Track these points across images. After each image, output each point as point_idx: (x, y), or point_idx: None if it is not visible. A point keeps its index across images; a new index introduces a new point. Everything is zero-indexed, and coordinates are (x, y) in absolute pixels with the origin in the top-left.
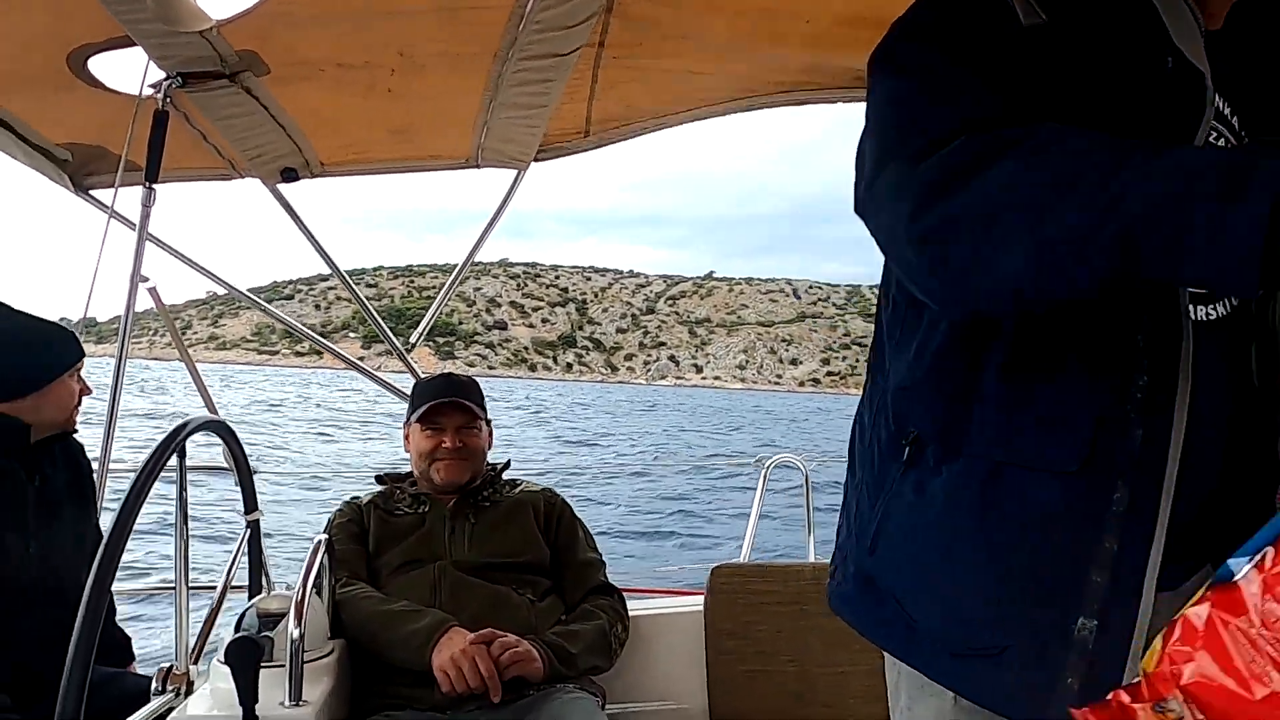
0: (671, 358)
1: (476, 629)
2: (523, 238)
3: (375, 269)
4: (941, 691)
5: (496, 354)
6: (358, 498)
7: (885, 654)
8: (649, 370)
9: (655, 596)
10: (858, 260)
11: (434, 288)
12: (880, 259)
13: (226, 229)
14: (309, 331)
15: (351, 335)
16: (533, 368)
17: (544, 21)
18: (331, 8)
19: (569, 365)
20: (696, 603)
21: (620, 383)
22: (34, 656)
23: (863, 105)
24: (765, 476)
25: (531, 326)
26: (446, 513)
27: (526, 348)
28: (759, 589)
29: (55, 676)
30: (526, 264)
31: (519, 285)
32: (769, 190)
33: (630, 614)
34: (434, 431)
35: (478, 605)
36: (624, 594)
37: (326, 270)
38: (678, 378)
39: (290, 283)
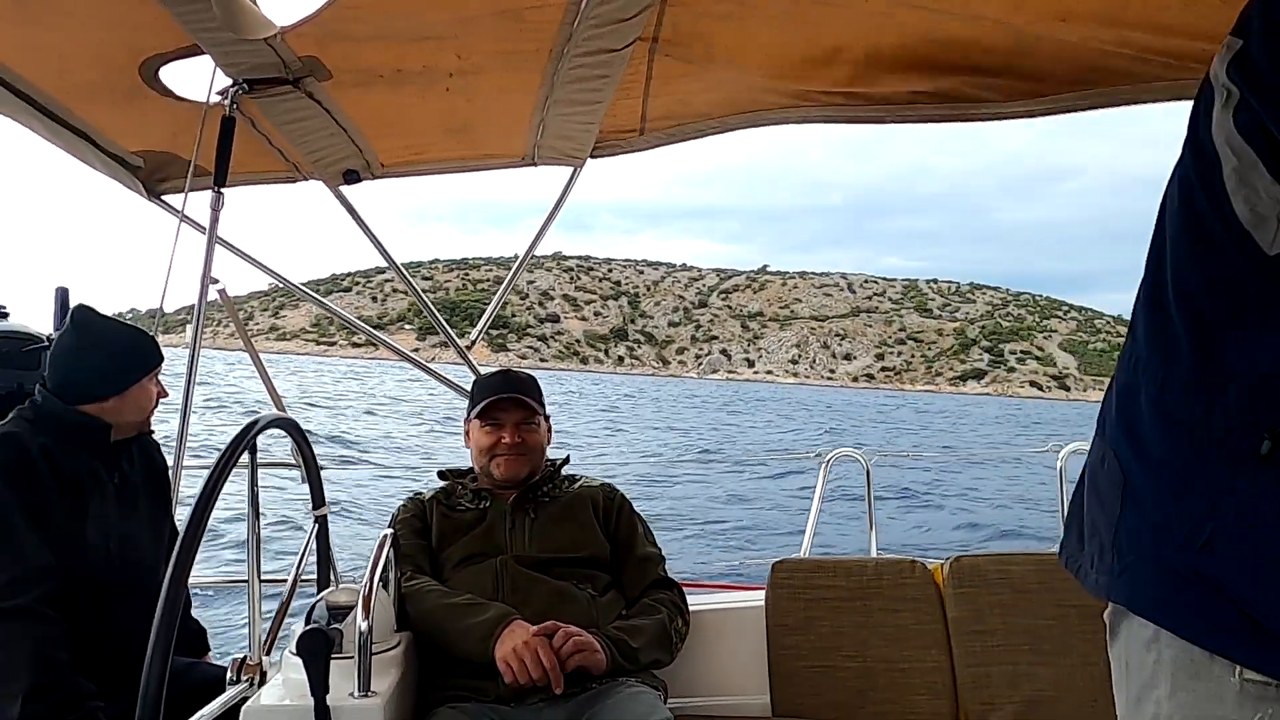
0: (723, 351)
1: (538, 622)
2: (580, 231)
3: (430, 262)
4: (1221, 675)
5: (549, 346)
6: (420, 494)
7: (1120, 642)
8: (700, 364)
9: (715, 591)
10: (918, 254)
11: (488, 280)
12: (943, 251)
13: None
14: (366, 327)
15: (407, 327)
16: (584, 360)
17: (599, 16)
18: (390, 14)
19: (620, 358)
20: (757, 598)
21: (671, 376)
22: (116, 647)
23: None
24: (826, 471)
25: (584, 320)
26: (507, 508)
27: (578, 340)
28: (821, 584)
29: (136, 666)
30: (580, 257)
31: (572, 278)
32: (828, 182)
33: (690, 609)
34: (493, 427)
35: (540, 599)
36: (684, 588)
37: (384, 263)
38: (729, 372)
39: (348, 275)
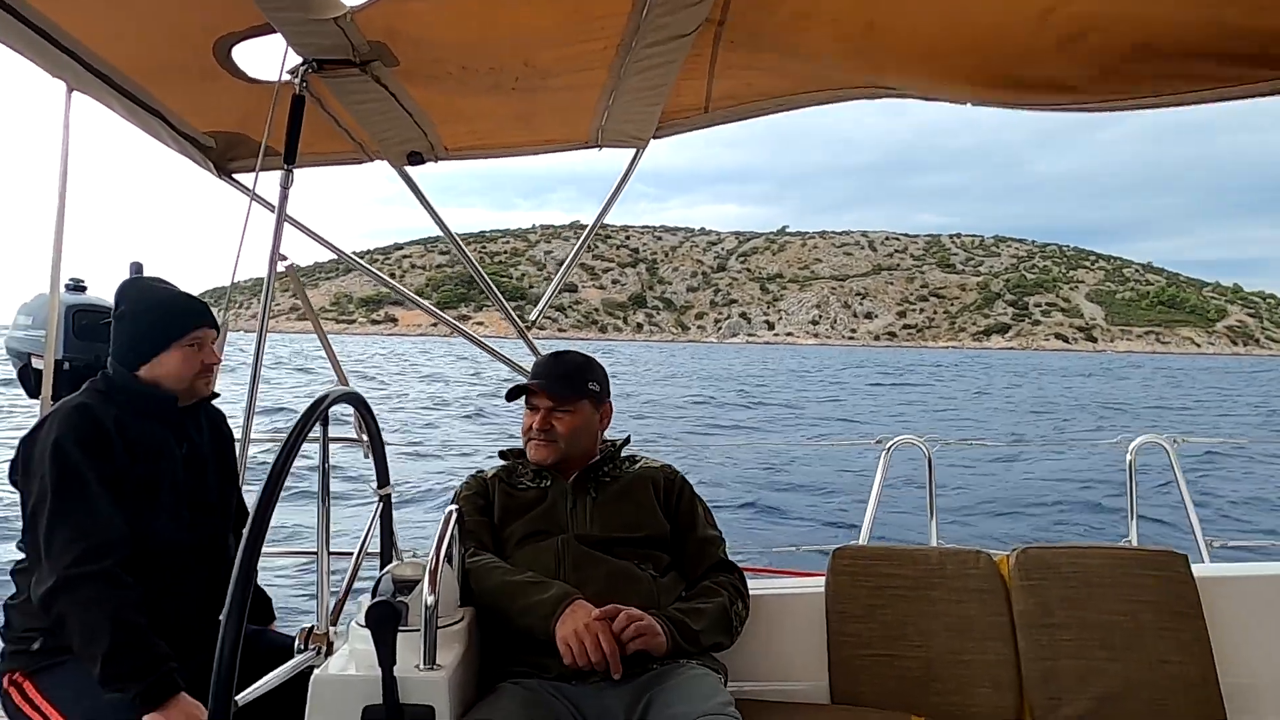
0: (743, 315)
1: (600, 602)
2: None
3: None
4: None
5: (567, 316)
6: (483, 471)
7: None
8: (720, 328)
9: (774, 576)
10: (949, 210)
11: (505, 253)
12: (975, 206)
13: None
14: (428, 305)
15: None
16: (603, 329)
17: (667, 4)
18: (456, 12)
19: (639, 325)
20: (817, 584)
21: (691, 341)
22: (187, 612)
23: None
24: (887, 458)
25: (602, 288)
26: (567, 488)
27: (597, 309)
28: (883, 572)
29: (206, 630)
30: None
31: (589, 247)
32: (858, 141)
33: (750, 593)
34: (530, 411)
35: (601, 579)
36: (744, 572)
37: (401, 240)
38: (749, 335)
39: (367, 253)
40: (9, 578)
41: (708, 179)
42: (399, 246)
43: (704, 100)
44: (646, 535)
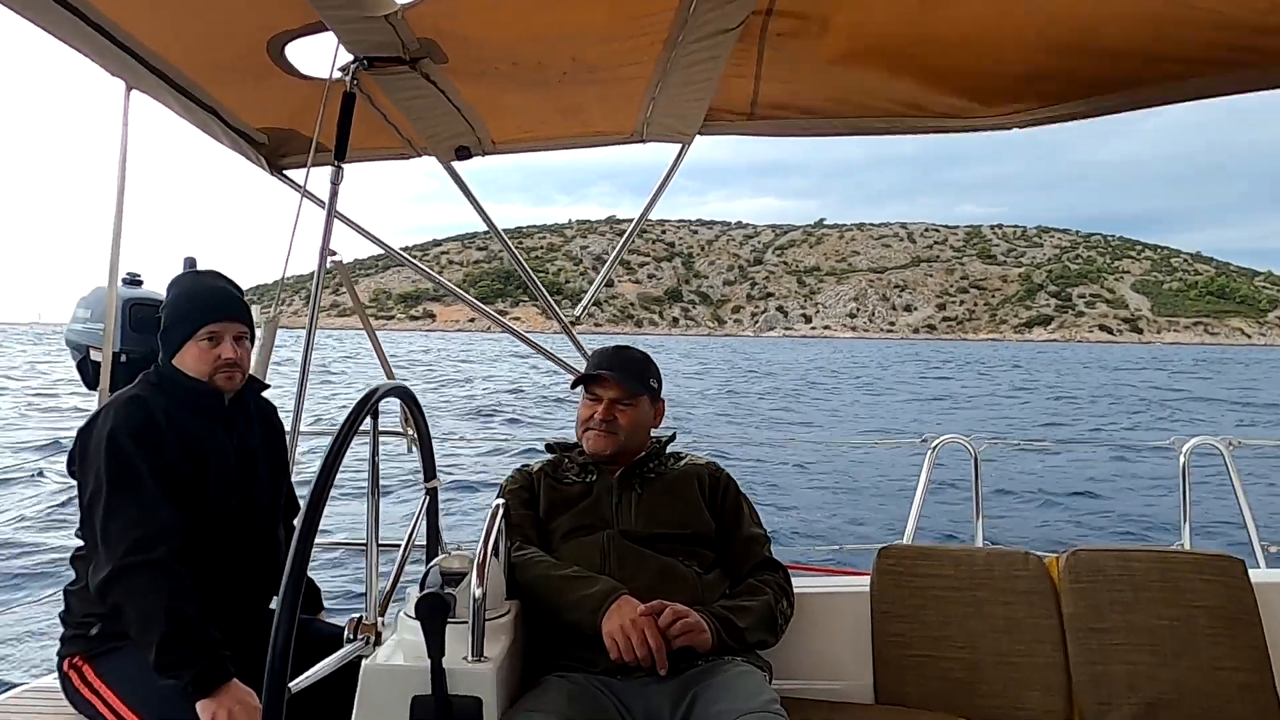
0: (780, 308)
1: (645, 598)
2: (646, 195)
3: (485, 232)
4: None
5: (603, 311)
6: (528, 465)
7: None
8: (756, 322)
9: (817, 574)
10: (992, 201)
11: (541, 248)
12: (1019, 197)
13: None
14: (474, 301)
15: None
16: (639, 323)
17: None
18: (504, 7)
19: (675, 320)
20: (861, 583)
21: (727, 335)
22: (237, 601)
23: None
24: (932, 457)
25: (637, 282)
26: (613, 483)
27: (632, 304)
28: (929, 572)
29: (255, 619)
30: (632, 220)
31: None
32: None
33: (795, 591)
34: (591, 401)
35: (647, 575)
36: (788, 570)
37: (439, 236)
38: (786, 328)
39: (405, 249)
40: (69, 565)
41: (747, 172)
42: (437, 243)
43: (750, 103)
44: (692, 532)
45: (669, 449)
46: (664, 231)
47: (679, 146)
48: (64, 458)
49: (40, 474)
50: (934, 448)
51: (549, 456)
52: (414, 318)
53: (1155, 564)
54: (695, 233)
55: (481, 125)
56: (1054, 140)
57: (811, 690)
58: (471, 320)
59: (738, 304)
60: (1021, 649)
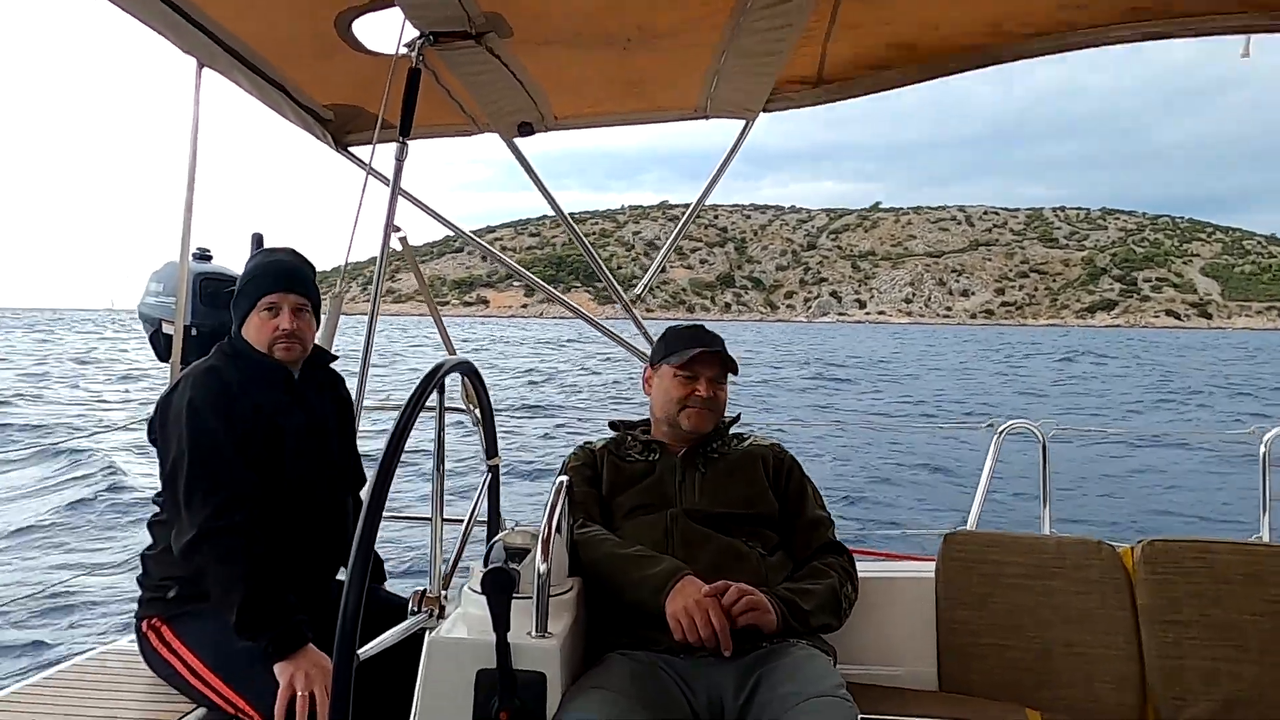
0: (833, 293)
1: (709, 579)
2: (702, 180)
3: (539, 218)
4: None
5: (655, 296)
6: (591, 443)
7: None
8: (809, 307)
9: (881, 559)
10: (1063, 181)
11: (593, 234)
12: (1091, 176)
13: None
14: (543, 284)
15: (515, 284)
16: (690, 309)
17: None
18: None
19: (727, 305)
20: (926, 569)
21: (780, 320)
22: (306, 568)
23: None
24: (999, 443)
25: (689, 268)
26: (677, 462)
27: (684, 289)
28: (996, 559)
29: (323, 586)
30: (684, 205)
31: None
32: (966, 112)
33: (859, 575)
34: (688, 379)
35: (710, 555)
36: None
37: (493, 223)
38: (839, 314)
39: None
40: (147, 530)
41: (806, 156)
42: (490, 229)
43: (817, 70)
44: (755, 513)
45: (732, 429)
46: (716, 217)
47: (741, 124)
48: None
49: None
50: (1000, 432)
51: (611, 435)
52: (467, 304)
53: (1236, 556)
54: (748, 217)
55: (544, 100)
56: (1128, 118)
57: (874, 676)
58: (524, 306)
59: (790, 289)
60: (1094, 640)
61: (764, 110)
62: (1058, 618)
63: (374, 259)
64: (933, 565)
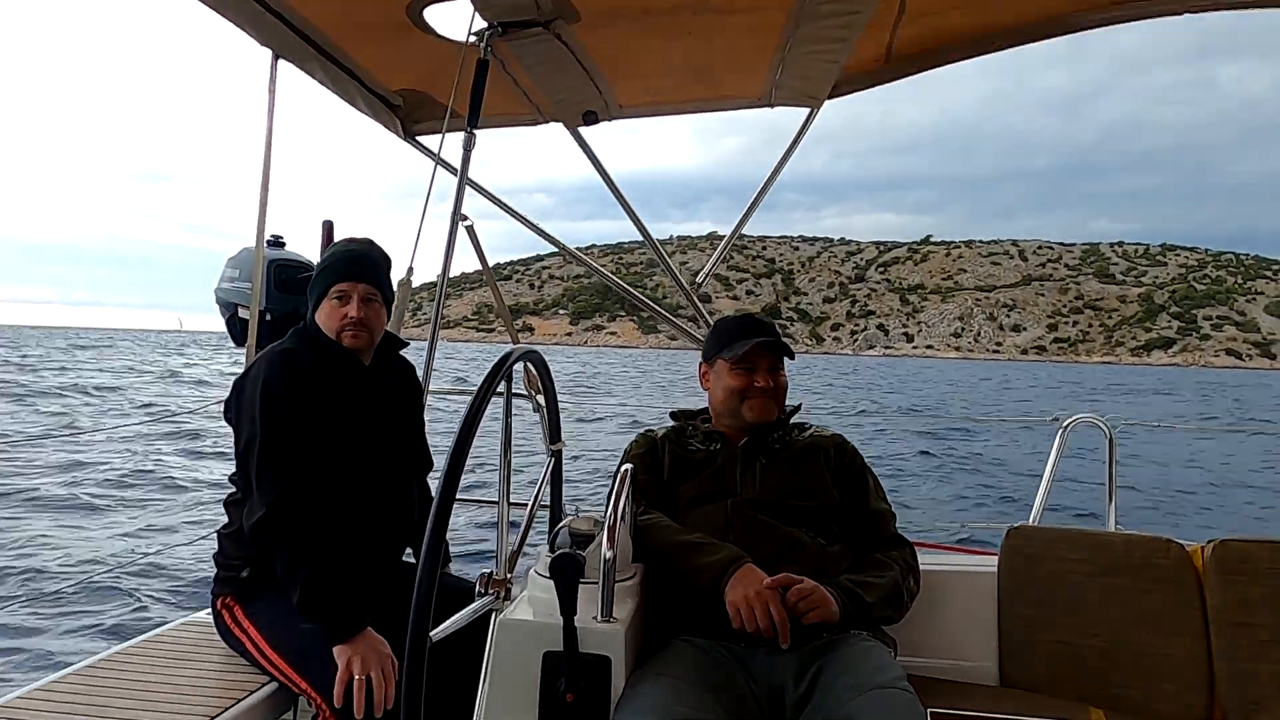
0: (880, 326)
1: (769, 569)
2: (764, 209)
3: (587, 247)
4: None
5: (699, 327)
6: (653, 430)
7: None
8: (855, 340)
9: (942, 552)
10: (1133, 216)
11: (640, 264)
12: (1163, 211)
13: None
14: (646, 300)
15: (561, 312)
16: None
17: None
18: None
19: None
20: (988, 563)
21: (825, 353)
22: (373, 553)
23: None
24: (1064, 437)
25: (736, 299)
26: (738, 451)
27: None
28: (1061, 555)
29: (388, 570)
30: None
31: (725, 258)
32: (1032, 144)
33: (920, 568)
34: (745, 371)
35: (770, 544)
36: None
37: (542, 251)
38: (886, 347)
39: (509, 264)
40: (223, 508)
41: (867, 187)
42: (539, 258)
43: (884, 54)
44: (817, 504)
45: (793, 419)
46: (765, 248)
47: (807, 112)
48: None
49: None
50: (1065, 427)
51: (672, 423)
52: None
53: None
54: (796, 249)
55: (609, 88)
56: (1205, 152)
57: (934, 669)
58: (569, 334)
59: (837, 321)
60: (1161, 640)
61: (829, 97)
62: (1123, 616)
63: (450, 239)
64: (994, 560)
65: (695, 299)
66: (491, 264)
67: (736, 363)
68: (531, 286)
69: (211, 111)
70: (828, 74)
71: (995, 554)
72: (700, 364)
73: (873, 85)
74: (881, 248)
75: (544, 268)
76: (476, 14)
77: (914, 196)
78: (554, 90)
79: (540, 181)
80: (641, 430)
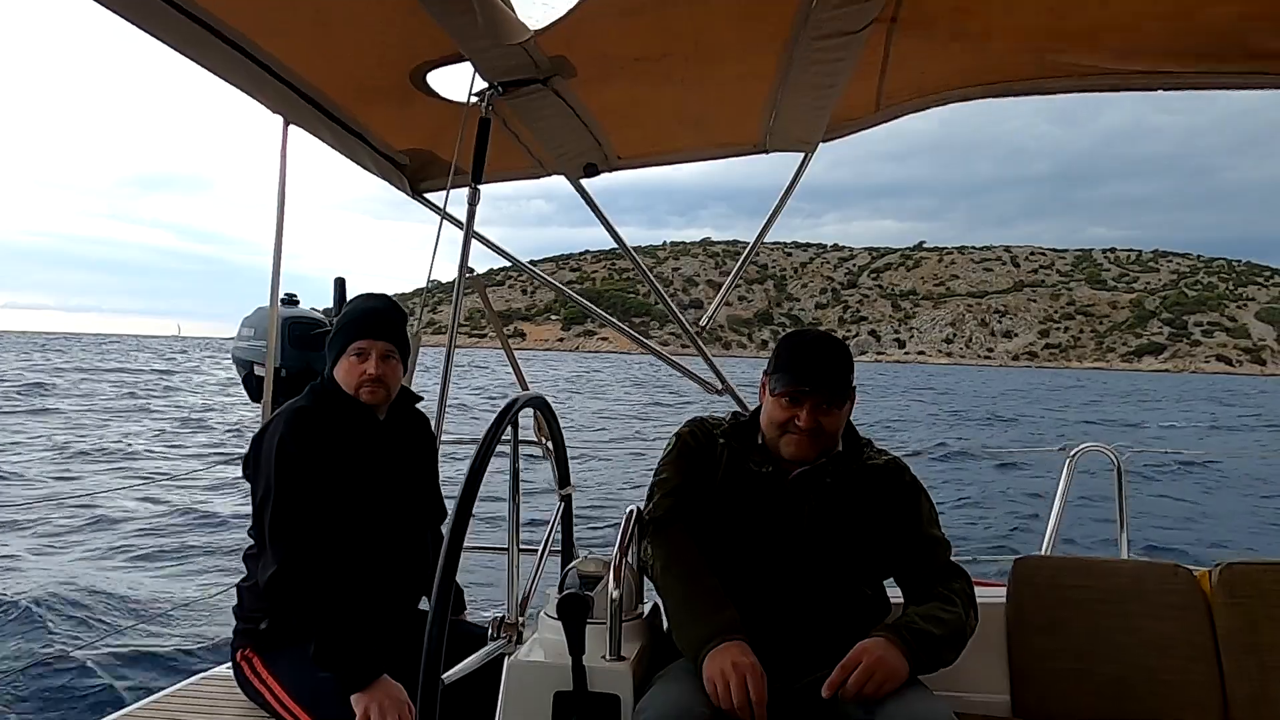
0: (872, 332)
1: (812, 608)
2: (762, 215)
3: (580, 253)
4: None
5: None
6: (711, 421)
7: None
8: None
9: None
10: (1129, 223)
11: (632, 270)
12: (1160, 218)
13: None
14: (611, 319)
15: (553, 318)
16: (726, 345)
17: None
18: (631, 9)
19: (763, 343)
20: (996, 594)
21: None
22: (389, 601)
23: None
24: (1072, 466)
25: (728, 305)
26: (788, 484)
27: (722, 326)
28: (1070, 584)
29: (405, 618)
30: (727, 242)
31: (717, 264)
32: (1031, 151)
33: None
34: (790, 403)
35: (813, 583)
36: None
37: (536, 256)
38: (878, 353)
39: (502, 269)
40: (242, 562)
41: (866, 194)
42: (533, 263)
43: (875, 99)
44: (870, 531)
45: (851, 442)
46: (758, 254)
47: (801, 157)
48: None
49: None
50: (1073, 456)
51: (732, 420)
52: (507, 335)
53: None
54: (789, 255)
55: (608, 140)
56: (1201, 159)
57: (946, 699)
58: (560, 340)
59: (829, 327)
60: (1173, 666)
61: (823, 141)
62: (1135, 643)
63: (457, 293)
64: (1003, 590)
65: (699, 342)
66: (484, 270)
67: (780, 394)
68: (524, 292)
69: (211, 113)
70: (819, 120)
71: (1003, 584)
72: (763, 373)
73: (865, 129)
74: (874, 254)
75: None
76: (477, 76)
77: (913, 203)
78: (555, 144)
79: (540, 188)
80: (696, 417)
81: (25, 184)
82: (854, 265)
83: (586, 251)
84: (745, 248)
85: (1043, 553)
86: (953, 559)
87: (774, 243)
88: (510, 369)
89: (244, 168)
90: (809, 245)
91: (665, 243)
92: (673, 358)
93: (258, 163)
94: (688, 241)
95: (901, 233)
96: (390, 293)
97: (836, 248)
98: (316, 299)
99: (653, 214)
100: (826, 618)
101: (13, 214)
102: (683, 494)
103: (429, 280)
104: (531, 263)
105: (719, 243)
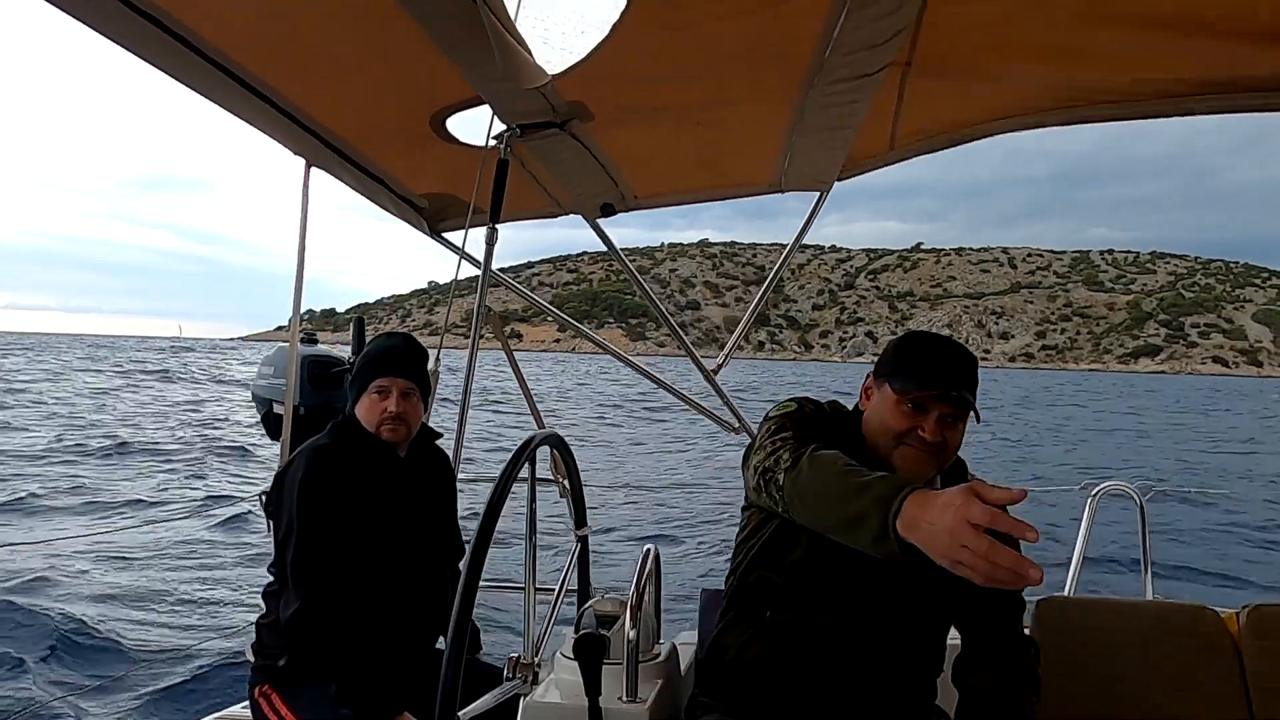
0: (869, 334)
1: (869, 693)
2: (762, 219)
3: (578, 254)
4: None
5: (687, 334)
6: (817, 404)
7: None
8: (844, 348)
9: None
10: (1130, 224)
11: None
12: (1161, 219)
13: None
14: (600, 339)
15: (549, 319)
16: (722, 346)
17: (851, 43)
18: (649, 55)
19: (761, 344)
20: None
21: (814, 360)
22: (408, 639)
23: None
24: (1094, 506)
25: (724, 306)
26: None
27: (718, 327)
28: (1094, 626)
29: (423, 656)
30: (724, 244)
31: (714, 265)
32: (1033, 152)
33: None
34: (914, 411)
35: (893, 624)
36: None
37: (533, 259)
38: (874, 355)
39: (502, 269)
40: (261, 598)
41: (868, 195)
42: (530, 265)
43: (889, 139)
44: (944, 597)
45: (956, 465)
46: (754, 255)
47: (817, 195)
48: None
49: None
50: (1094, 495)
51: (835, 411)
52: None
53: None
54: None
55: (625, 181)
56: (1205, 160)
57: None
58: (557, 341)
59: (826, 329)
60: (1202, 710)
61: (838, 180)
62: (1162, 686)
63: (475, 329)
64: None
65: (715, 382)
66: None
67: (905, 399)
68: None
69: (212, 113)
70: (834, 160)
71: (1027, 627)
72: (867, 375)
73: (879, 168)
74: (872, 255)
75: (534, 274)
76: (496, 119)
77: (915, 204)
78: (572, 185)
79: None
80: (804, 396)
81: (26, 184)
82: (851, 266)
83: (585, 253)
84: (741, 249)
85: (1066, 594)
86: None
87: (772, 244)
88: (526, 406)
89: (244, 168)
90: (806, 247)
91: (663, 244)
92: (690, 396)
93: (258, 163)
94: (685, 243)
95: (903, 234)
96: (390, 293)
97: (834, 249)
98: (317, 299)
99: (654, 216)
100: (901, 660)
101: (13, 214)
102: (811, 442)
103: (447, 317)
104: (528, 264)
105: (716, 244)
